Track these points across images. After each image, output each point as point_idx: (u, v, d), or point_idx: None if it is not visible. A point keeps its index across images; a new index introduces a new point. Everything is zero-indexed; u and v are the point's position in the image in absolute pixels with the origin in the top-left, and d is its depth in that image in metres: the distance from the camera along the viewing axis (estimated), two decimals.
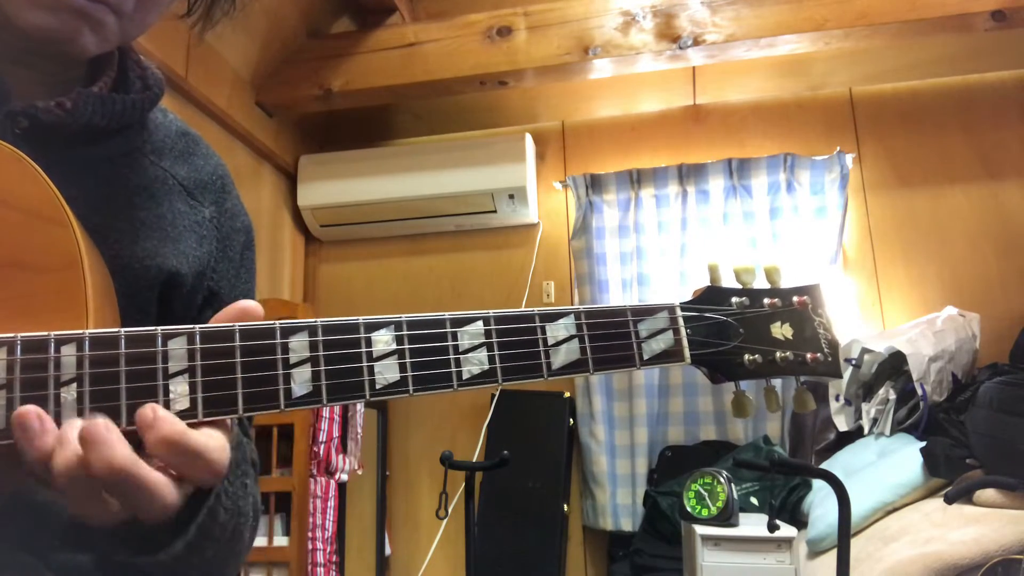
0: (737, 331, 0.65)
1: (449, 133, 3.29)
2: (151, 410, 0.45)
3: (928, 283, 2.80)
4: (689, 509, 2.21)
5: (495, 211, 3.01)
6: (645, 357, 0.61)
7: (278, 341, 0.51)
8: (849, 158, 2.84)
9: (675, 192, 2.95)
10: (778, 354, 0.66)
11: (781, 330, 0.67)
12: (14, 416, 0.44)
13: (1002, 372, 2.26)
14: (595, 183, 3.02)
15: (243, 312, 0.52)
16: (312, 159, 3.11)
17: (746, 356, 0.65)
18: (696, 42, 2.48)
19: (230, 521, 0.55)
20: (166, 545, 0.51)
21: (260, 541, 2.46)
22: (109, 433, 0.43)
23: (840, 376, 0.69)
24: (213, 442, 0.47)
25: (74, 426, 0.44)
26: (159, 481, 0.45)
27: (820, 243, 2.80)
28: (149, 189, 0.67)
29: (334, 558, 2.59)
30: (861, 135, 2.96)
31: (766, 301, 0.68)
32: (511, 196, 2.95)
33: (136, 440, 0.46)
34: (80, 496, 0.44)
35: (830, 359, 0.68)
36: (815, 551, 2.12)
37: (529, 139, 3.00)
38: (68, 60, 0.62)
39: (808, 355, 0.67)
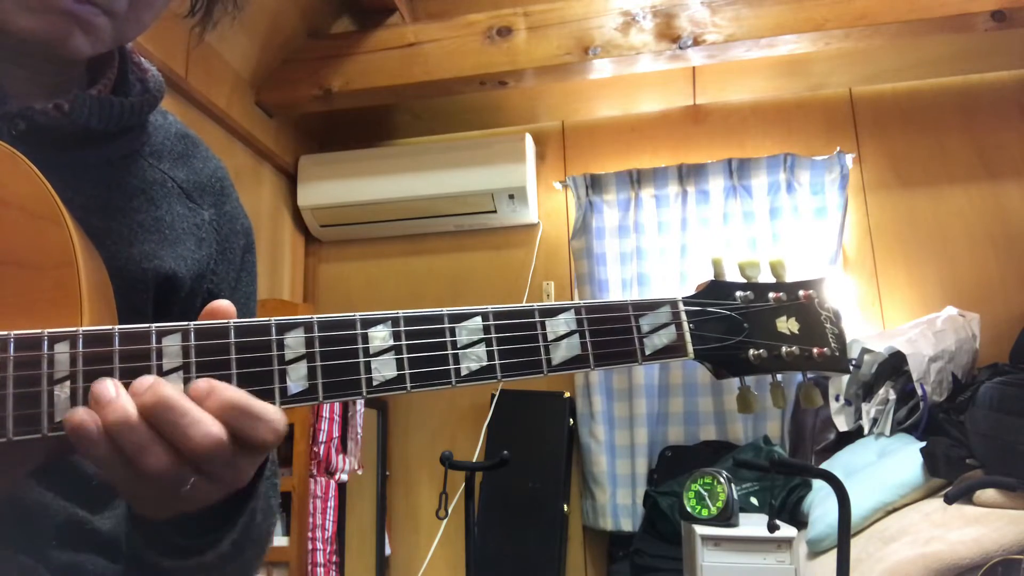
0: (741, 326, 0.64)
1: (449, 133, 3.28)
2: (205, 382, 0.46)
3: (928, 283, 2.80)
4: (689, 509, 2.21)
5: (495, 211, 3.00)
6: (647, 352, 0.60)
7: (273, 338, 0.51)
8: (849, 158, 2.84)
9: (675, 192, 2.95)
10: (784, 349, 0.65)
11: (787, 324, 0.66)
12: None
13: (1002, 372, 2.26)
14: (595, 183, 3.01)
15: (211, 313, 0.51)
16: (312, 159, 3.10)
17: (751, 351, 0.64)
18: (696, 42, 2.48)
19: (264, 522, 0.55)
20: (214, 544, 0.50)
21: None
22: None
23: (848, 371, 0.68)
24: (268, 404, 0.48)
25: (108, 386, 0.44)
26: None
27: (820, 243, 2.79)
28: (147, 192, 0.67)
29: (334, 558, 2.58)
30: (861, 135, 2.95)
31: (771, 295, 0.66)
32: (511, 196, 2.94)
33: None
34: (144, 456, 0.44)
35: (837, 354, 0.66)
36: (815, 551, 2.11)
37: (529, 139, 2.99)
38: (66, 62, 0.62)
39: (815, 350, 0.66)
